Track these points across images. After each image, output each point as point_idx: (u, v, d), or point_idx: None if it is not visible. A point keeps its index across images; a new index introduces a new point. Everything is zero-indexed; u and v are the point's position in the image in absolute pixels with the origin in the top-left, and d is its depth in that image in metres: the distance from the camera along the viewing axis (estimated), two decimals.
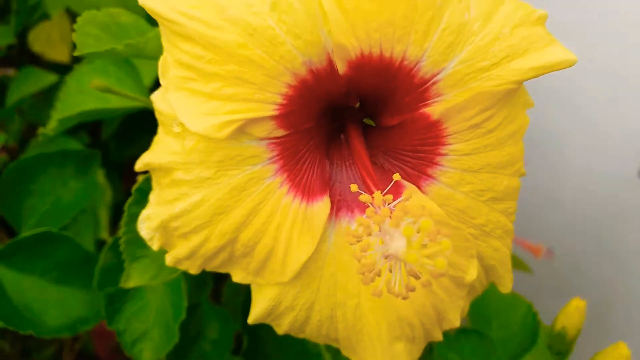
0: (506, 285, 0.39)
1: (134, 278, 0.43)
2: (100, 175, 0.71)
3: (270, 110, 0.33)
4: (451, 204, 0.36)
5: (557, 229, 1.16)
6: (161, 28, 0.33)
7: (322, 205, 0.36)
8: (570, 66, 0.35)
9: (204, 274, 0.72)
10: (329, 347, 0.53)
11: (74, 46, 0.43)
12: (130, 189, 0.43)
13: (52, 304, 0.53)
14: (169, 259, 0.36)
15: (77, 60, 0.97)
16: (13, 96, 0.82)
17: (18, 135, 0.92)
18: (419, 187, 0.36)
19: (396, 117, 0.37)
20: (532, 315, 0.67)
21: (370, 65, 0.33)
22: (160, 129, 0.37)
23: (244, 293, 0.67)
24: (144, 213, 0.37)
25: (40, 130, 0.54)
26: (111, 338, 1.09)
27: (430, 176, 0.37)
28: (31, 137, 0.99)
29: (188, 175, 0.34)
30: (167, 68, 0.33)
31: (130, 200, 0.42)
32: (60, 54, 0.93)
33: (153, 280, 0.42)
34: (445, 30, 0.33)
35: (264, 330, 0.60)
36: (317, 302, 0.37)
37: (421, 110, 0.35)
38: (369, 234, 0.30)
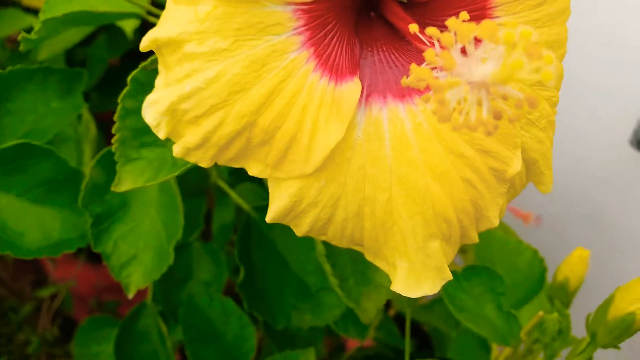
0: (547, 183, 0.36)
1: (126, 181, 0.38)
2: (85, 111, 0.66)
3: None
4: None
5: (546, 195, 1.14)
6: None
7: (352, 86, 0.32)
8: None
9: (194, 213, 0.68)
10: (336, 274, 0.49)
11: None
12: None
13: (32, 226, 0.48)
14: (177, 149, 0.32)
15: None
16: None
17: None
18: None
19: None
20: (539, 261, 0.64)
21: None
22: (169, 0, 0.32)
23: (238, 225, 0.63)
24: (150, 98, 0.32)
25: (22, 35, 0.47)
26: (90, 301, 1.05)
27: None
28: None
29: (201, 46, 0.30)
30: None
31: (124, 91, 0.37)
32: (36, 1, 0.90)
33: (148, 182, 0.37)
34: None
35: (261, 263, 0.56)
36: (343, 198, 0.33)
37: None
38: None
